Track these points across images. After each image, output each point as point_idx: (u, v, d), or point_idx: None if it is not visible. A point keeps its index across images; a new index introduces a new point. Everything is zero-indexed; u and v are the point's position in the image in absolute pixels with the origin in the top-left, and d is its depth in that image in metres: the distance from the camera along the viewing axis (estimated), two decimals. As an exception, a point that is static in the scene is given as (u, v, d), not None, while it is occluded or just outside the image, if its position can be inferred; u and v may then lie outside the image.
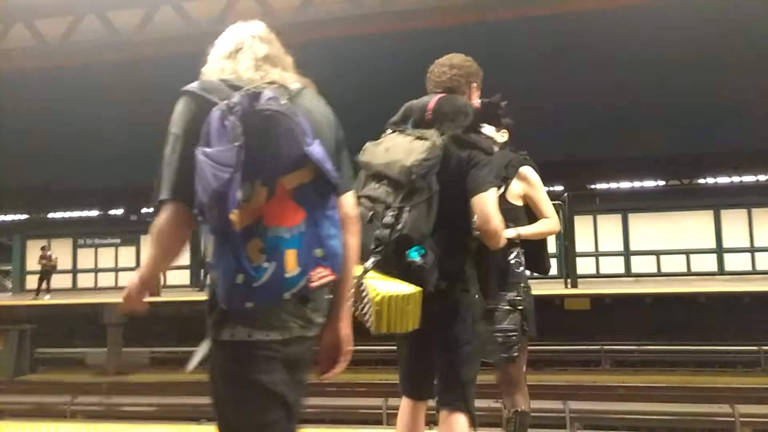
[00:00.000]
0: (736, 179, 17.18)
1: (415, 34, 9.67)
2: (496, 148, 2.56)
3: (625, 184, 17.77)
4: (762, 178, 17.05)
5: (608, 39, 11.19)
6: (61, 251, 21.34)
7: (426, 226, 1.97)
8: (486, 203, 2.05)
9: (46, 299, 16.84)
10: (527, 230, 2.67)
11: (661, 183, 18.02)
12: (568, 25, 10.82)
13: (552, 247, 18.97)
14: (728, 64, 11.41)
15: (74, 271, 22.46)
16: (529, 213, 2.78)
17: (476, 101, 2.30)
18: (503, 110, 2.29)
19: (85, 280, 22.32)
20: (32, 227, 22.30)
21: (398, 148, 2.06)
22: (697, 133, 14.02)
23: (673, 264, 18.06)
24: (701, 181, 17.81)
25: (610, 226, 18.74)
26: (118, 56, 9.84)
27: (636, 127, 13.90)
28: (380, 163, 2.08)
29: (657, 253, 18.25)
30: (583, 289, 14.06)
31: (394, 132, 2.19)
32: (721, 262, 17.97)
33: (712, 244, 18.05)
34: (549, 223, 2.71)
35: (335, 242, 1.46)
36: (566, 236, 15.83)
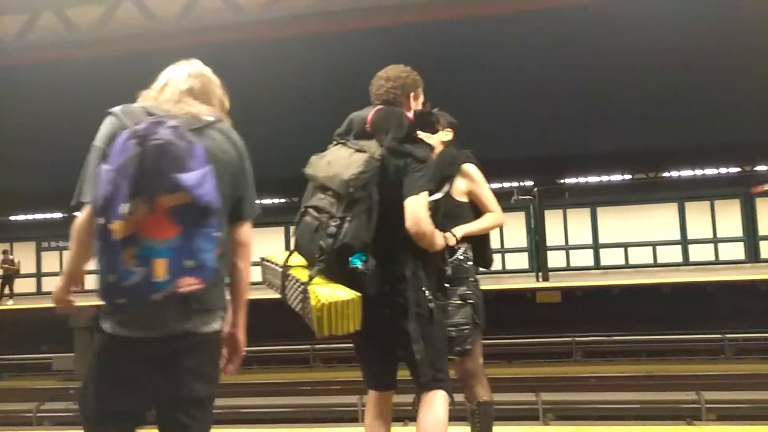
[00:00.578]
0: (699, 172, 17.62)
1: (380, 32, 9.64)
2: (440, 147, 2.73)
3: (593, 179, 18.06)
4: (723, 171, 17.53)
5: (575, 35, 11.34)
6: (25, 255, 20.74)
7: (367, 234, 2.10)
8: (415, 206, 2.19)
9: (9, 304, 16.35)
10: (470, 228, 2.69)
11: (628, 177, 18.38)
12: (537, 22, 10.92)
13: (523, 241, 19.30)
14: (692, 60, 11.68)
15: (39, 275, 21.86)
16: (475, 209, 2.81)
17: (410, 112, 2.40)
18: (436, 116, 2.47)
19: (50, 284, 21.66)
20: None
21: (339, 162, 2.20)
22: (662, 128, 14.31)
23: (640, 256, 18.48)
24: (666, 174, 18.23)
25: (579, 219, 19.07)
26: (78, 54, 9.58)
27: (604, 122, 14.12)
28: (323, 176, 2.22)
29: (625, 246, 18.65)
30: (554, 282, 14.28)
31: (337, 144, 2.34)
32: (685, 253, 18.46)
33: (677, 236, 18.52)
34: (492, 218, 2.74)
35: (207, 256, 1.64)
36: (537, 230, 16.05)
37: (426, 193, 2.23)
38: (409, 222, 2.17)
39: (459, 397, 2.81)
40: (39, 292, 21.52)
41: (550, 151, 15.42)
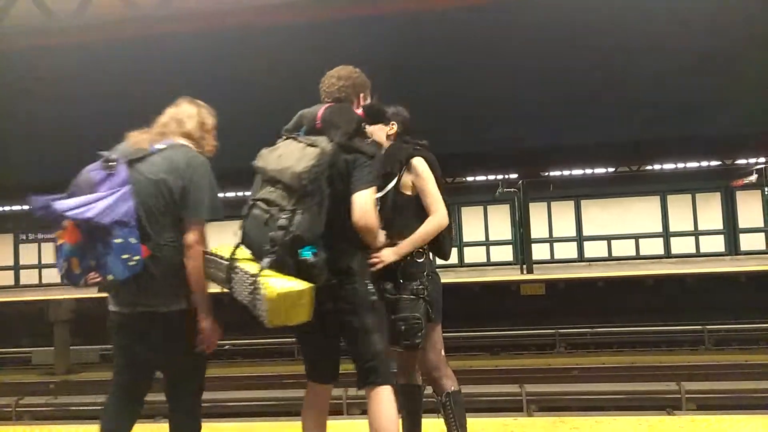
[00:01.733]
0: (681, 166, 17.81)
1: (340, 24, 9.54)
2: (386, 144, 2.74)
3: (577, 172, 18.18)
4: (705, 164, 17.74)
5: (559, 28, 11.33)
6: (2, 247, 20.38)
7: (317, 226, 2.16)
8: (363, 201, 2.27)
9: (-13, 297, 16.06)
10: (413, 240, 2.65)
11: (611, 170, 18.53)
12: (518, 13, 10.88)
13: (508, 234, 19.36)
14: (674, 52, 11.75)
15: (16, 268, 21.49)
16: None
17: (359, 109, 2.48)
18: (384, 109, 2.53)
19: (28, 277, 21.38)
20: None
21: (291, 156, 2.25)
22: (644, 121, 14.41)
23: (623, 248, 18.66)
24: (648, 167, 18.40)
25: (563, 212, 19.19)
26: (55, 41, 9.34)
27: (587, 115, 14.18)
28: (274, 169, 2.26)
29: (608, 238, 18.82)
30: (538, 275, 14.37)
31: (288, 139, 2.39)
32: (667, 245, 18.68)
33: (659, 229, 18.73)
34: (432, 222, 2.68)
35: (108, 259, 2.20)
36: (522, 223, 16.11)
37: (374, 188, 2.32)
38: (357, 215, 2.26)
39: (428, 390, 2.83)
40: (17, 285, 21.17)
41: (535, 143, 15.47)
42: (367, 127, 2.44)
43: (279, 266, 2.10)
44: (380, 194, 2.59)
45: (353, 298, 2.33)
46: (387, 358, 2.43)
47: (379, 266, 2.52)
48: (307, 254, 2.11)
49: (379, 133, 2.79)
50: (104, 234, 2.19)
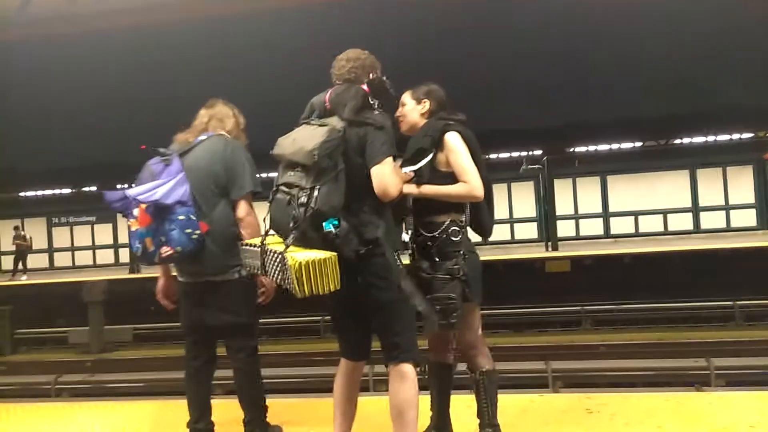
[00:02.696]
0: (711, 139, 17.32)
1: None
2: (422, 120, 2.78)
3: (603, 147, 17.84)
4: (736, 136, 17.24)
5: (586, 2, 11.07)
6: (36, 230, 20.94)
7: (336, 199, 2.23)
8: (381, 175, 2.31)
9: (23, 279, 16.58)
10: (432, 189, 2.62)
11: (639, 144, 18.13)
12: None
13: (532, 211, 19.19)
14: (702, 24, 11.39)
15: (50, 251, 22.10)
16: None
17: (364, 85, 2.50)
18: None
19: (62, 259, 21.99)
20: (4, 207, 21.77)
21: (303, 137, 2.34)
22: (673, 94, 14.04)
23: (650, 224, 18.36)
24: (677, 141, 17.95)
25: (589, 188, 18.92)
26: (78, 29, 9.47)
27: (613, 89, 13.87)
28: (289, 153, 2.35)
29: (635, 214, 18.52)
30: (563, 252, 14.25)
31: (302, 125, 2.47)
32: (697, 220, 18.31)
33: (688, 204, 18.35)
34: (462, 187, 2.61)
35: (174, 233, 2.63)
36: (546, 200, 15.95)
37: (390, 158, 2.35)
38: (378, 190, 2.32)
39: (462, 366, 2.85)
40: (51, 267, 21.79)
41: (560, 119, 15.23)
42: (374, 101, 2.46)
43: (304, 241, 2.21)
44: (412, 168, 2.62)
45: (380, 270, 2.36)
46: (411, 335, 2.45)
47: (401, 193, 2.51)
48: (328, 227, 2.20)
49: (413, 112, 2.79)
50: (169, 213, 2.62)
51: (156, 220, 2.64)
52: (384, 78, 2.54)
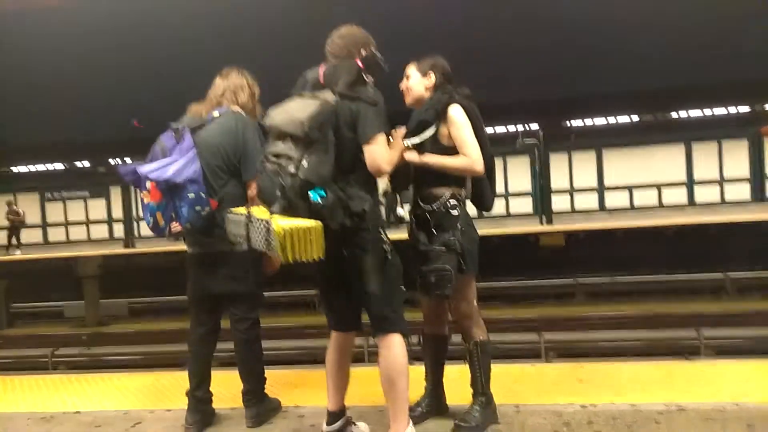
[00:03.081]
0: (707, 112, 17.26)
1: None
2: (427, 94, 2.78)
3: (599, 120, 17.77)
4: (732, 110, 17.19)
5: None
6: (29, 205, 20.81)
7: (324, 170, 2.26)
8: (374, 153, 2.36)
9: (17, 254, 16.55)
10: (433, 159, 2.64)
11: (635, 118, 18.07)
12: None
13: (527, 185, 19.19)
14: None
15: (44, 226, 22.01)
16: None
17: (358, 60, 2.50)
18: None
19: (56, 234, 21.91)
20: (-4, 182, 21.63)
21: (294, 109, 2.36)
22: (669, 67, 13.94)
23: (645, 198, 18.41)
24: (673, 114, 17.89)
25: (584, 162, 18.90)
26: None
27: (609, 63, 13.75)
28: (281, 123, 2.35)
29: (630, 188, 18.55)
30: (557, 226, 14.29)
31: (294, 97, 2.48)
32: (691, 194, 18.36)
33: (683, 177, 18.39)
34: (462, 160, 2.64)
35: (183, 210, 2.69)
36: (542, 174, 15.93)
37: (383, 135, 2.39)
38: (371, 167, 2.38)
39: (457, 338, 2.88)
40: (45, 242, 21.74)
41: (555, 93, 15.12)
42: (368, 76, 2.48)
43: (291, 210, 2.25)
44: (414, 141, 2.65)
45: (365, 243, 2.41)
46: (398, 307, 2.50)
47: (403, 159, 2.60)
48: (315, 197, 2.23)
49: (419, 86, 2.79)
50: (179, 190, 2.69)
51: (166, 196, 2.70)
52: (376, 53, 2.54)
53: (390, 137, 2.55)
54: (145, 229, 18.37)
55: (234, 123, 2.85)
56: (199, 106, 2.96)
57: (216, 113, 2.89)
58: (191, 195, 2.69)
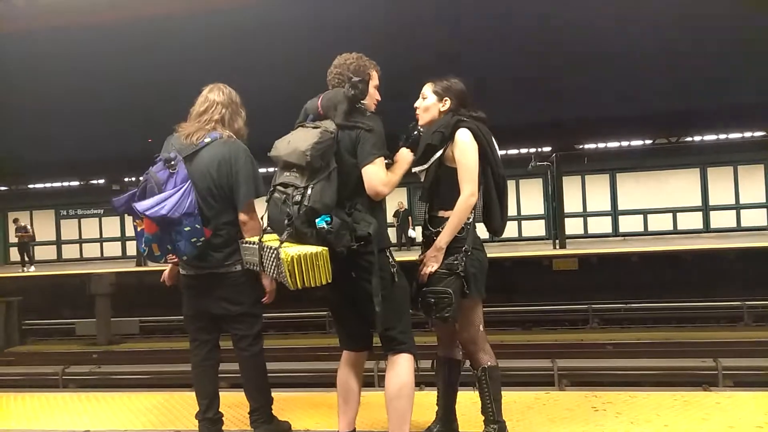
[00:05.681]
0: (722, 137, 17.13)
1: None
2: (440, 117, 2.75)
3: (612, 144, 17.69)
4: (748, 135, 17.05)
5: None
6: (44, 223, 21.08)
7: (329, 197, 2.36)
8: (371, 176, 2.44)
9: (31, 271, 16.70)
10: (447, 233, 2.62)
11: (649, 142, 17.98)
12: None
13: (540, 208, 19.09)
14: (713, 19, 11.26)
15: (58, 243, 22.25)
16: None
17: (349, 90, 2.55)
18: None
19: (70, 251, 22.13)
20: (12, 200, 21.91)
21: (297, 139, 2.46)
22: (684, 91, 13.90)
23: (659, 222, 18.23)
24: (688, 139, 17.78)
25: (598, 186, 18.80)
26: (92, 20, 9.49)
27: (623, 86, 13.74)
28: (285, 154, 2.47)
29: (644, 212, 18.40)
30: (571, 250, 14.18)
31: (298, 128, 2.60)
32: (707, 219, 18.16)
33: (699, 202, 18.20)
34: (459, 206, 2.61)
35: (181, 244, 2.71)
36: (555, 197, 15.86)
37: (381, 158, 2.47)
38: (369, 190, 2.45)
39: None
40: (59, 259, 21.94)
41: (569, 116, 15.10)
42: (365, 103, 2.58)
43: (298, 237, 2.35)
44: (421, 168, 2.71)
45: (371, 265, 2.46)
46: (406, 328, 2.56)
47: (427, 272, 2.61)
48: (321, 223, 2.31)
49: (433, 109, 2.78)
50: (176, 224, 2.68)
51: (163, 229, 2.70)
52: (355, 79, 2.54)
53: (392, 159, 2.59)
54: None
55: (228, 151, 2.83)
56: (190, 128, 2.89)
57: (208, 139, 2.85)
58: (188, 228, 2.69)
